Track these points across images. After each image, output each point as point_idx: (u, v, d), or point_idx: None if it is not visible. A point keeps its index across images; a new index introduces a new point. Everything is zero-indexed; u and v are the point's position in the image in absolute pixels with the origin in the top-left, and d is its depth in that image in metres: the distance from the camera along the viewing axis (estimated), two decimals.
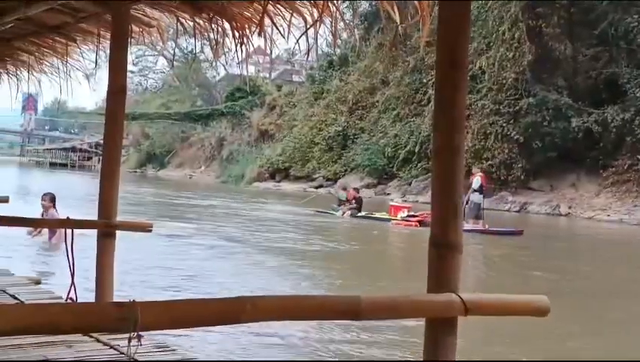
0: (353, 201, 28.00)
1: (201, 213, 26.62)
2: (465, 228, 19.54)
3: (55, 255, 12.73)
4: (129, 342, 2.34)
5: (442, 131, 3.09)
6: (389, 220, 25.70)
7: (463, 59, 3.13)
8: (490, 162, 38.08)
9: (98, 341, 4.99)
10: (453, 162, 3.06)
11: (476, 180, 25.14)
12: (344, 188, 30.54)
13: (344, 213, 27.32)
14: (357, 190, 30.21)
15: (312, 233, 21.52)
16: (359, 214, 27.11)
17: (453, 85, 3.08)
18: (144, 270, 12.41)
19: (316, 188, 45.91)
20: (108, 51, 6.14)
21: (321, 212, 28.18)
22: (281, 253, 16.53)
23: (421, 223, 23.86)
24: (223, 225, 21.91)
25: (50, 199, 14.24)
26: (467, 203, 23.72)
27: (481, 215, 24.66)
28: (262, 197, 38.40)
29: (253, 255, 15.86)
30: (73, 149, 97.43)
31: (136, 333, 2.31)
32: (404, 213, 25.67)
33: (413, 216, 25.11)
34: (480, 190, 24.93)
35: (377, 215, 26.60)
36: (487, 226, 23.97)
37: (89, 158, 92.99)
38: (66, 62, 7.50)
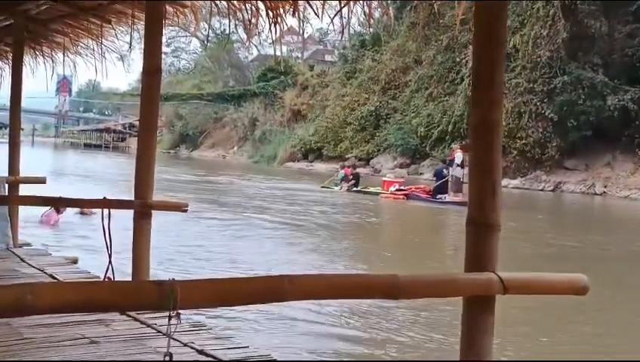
0: (351, 177, 30.34)
1: (217, 191, 28.00)
2: (445, 200, 21.34)
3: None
4: (169, 320, 2.35)
5: (480, 108, 3.06)
6: (378, 194, 27.65)
7: (501, 36, 3.09)
8: (524, 141, 37.79)
9: (136, 319, 5.04)
10: (491, 139, 3.03)
11: (458, 155, 26.66)
12: (342, 167, 32.67)
13: (341, 187, 29.74)
14: (354, 167, 32.73)
15: (311, 205, 22.99)
16: (355, 189, 29.33)
17: (491, 62, 3.04)
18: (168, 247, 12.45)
19: (348, 167, 45.82)
20: (142, 32, 6.15)
21: (325, 187, 30.40)
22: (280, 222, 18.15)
23: (408, 197, 26.51)
24: (234, 201, 23.43)
25: None
26: (437, 176, 26.95)
27: (462, 188, 25.81)
28: (286, 176, 39.70)
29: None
30: (107, 130, 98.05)
31: (175, 311, 2.33)
32: (394, 188, 27.45)
33: (401, 190, 27.25)
34: (462, 165, 26.07)
35: (372, 190, 28.53)
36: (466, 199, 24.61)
37: (123, 139, 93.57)
38: (101, 43, 7.54)
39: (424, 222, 22.21)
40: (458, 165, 26.31)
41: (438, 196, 25.72)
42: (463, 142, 32.34)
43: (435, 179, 27.30)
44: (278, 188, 29.78)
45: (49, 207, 12.86)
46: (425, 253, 15.03)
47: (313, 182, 33.61)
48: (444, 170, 26.42)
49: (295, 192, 27.81)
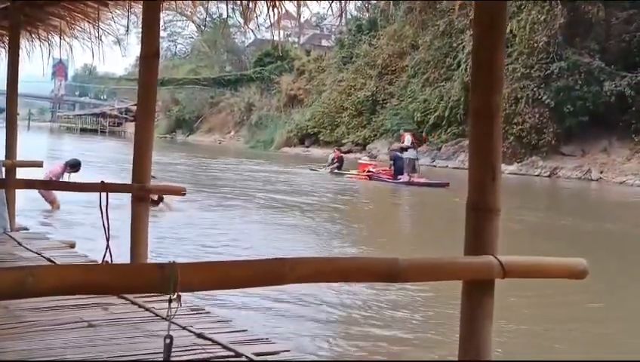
0: (335, 160, 32.44)
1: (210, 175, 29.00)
2: (400, 180, 23.15)
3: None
4: (169, 302, 2.35)
5: (480, 93, 3.06)
6: (344, 175, 30.41)
7: (501, 21, 3.10)
8: (520, 127, 37.75)
9: (133, 303, 5.04)
10: (490, 124, 3.03)
11: (407, 139, 29.72)
12: (334, 151, 34.75)
13: (325, 169, 32.10)
14: (340, 150, 35.28)
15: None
16: (336, 171, 31.53)
17: (491, 47, 3.05)
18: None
19: (345, 152, 45.80)
20: (140, 15, 6.12)
21: (313, 169, 32.87)
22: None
23: (370, 178, 28.82)
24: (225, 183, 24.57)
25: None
26: (394, 159, 28.97)
27: (417, 168, 28.97)
28: (276, 161, 40.72)
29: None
30: (103, 115, 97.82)
31: (176, 294, 2.32)
32: (365, 169, 30.02)
33: (370, 171, 29.64)
34: (413, 147, 29.35)
35: (353, 172, 30.56)
36: (422, 180, 27.79)
37: (119, 124, 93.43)
38: (98, 26, 7.50)
39: (364, 195, 24.64)
40: (406, 148, 28.93)
41: (399, 177, 27.89)
42: (408, 129, 35.85)
43: (392, 162, 29.31)
44: (257, 171, 31.37)
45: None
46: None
47: (299, 165, 35.72)
48: (400, 153, 28.78)
49: (272, 175, 29.28)
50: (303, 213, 17.27)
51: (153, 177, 13.76)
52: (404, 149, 28.73)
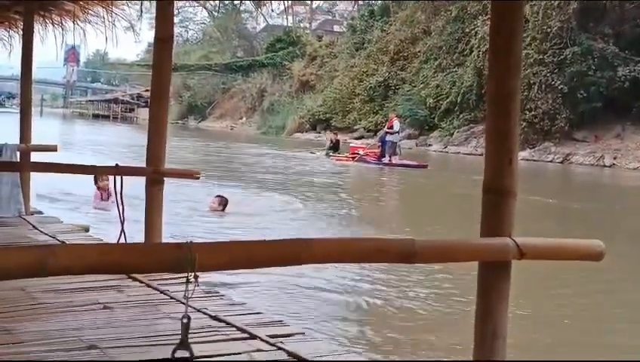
0: (331, 144, 34.31)
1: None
2: (384, 162, 24.77)
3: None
4: (187, 283, 2.35)
5: (497, 78, 3.06)
6: (329, 156, 31.84)
7: (518, 7, 3.09)
8: (533, 112, 37.50)
9: (149, 286, 5.07)
10: (507, 107, 3.02)
11: (396, 123, 30.69)
12: (331, 134, 37.28)
13: (320, 152, 33.66)
14: (336, 134, 37.40)
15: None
16: (330, 153, 32.71)
17: (509, 31, 3.03)
18: None
19: (357, 138, 45.71)
20: (153, 0, 6.13)
21: (312, 153, 33.96)
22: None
23: (355, 159, 29.81)
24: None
25: None
26: (382, 142, 30.46)
27: (398, 151, 29.86)
28: (282, 145, 41.49)
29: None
30: (115, 101, 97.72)
31: (193, 274, 2.32)
32: (351, 152, 31.24)
33: (357, 153, 30.68)
34: (400, 131, 30.91)
35: (343, 155, 31.48)
36: (402, 161, 28.92)
37: (131, 110, 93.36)
38: (111, 10, 7.51)
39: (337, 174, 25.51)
40: (396, 132, 30.08)
41: (382, 159, 29.31)
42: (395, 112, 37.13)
43: (380, 144, 30.81)
44: (250, 155, 32.59)
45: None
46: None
47: (297, 149, 37.10)
48: (387, 136, 29.98)
49: (263, 158, 30.94)
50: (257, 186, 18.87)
51: None
52: (391, 133, 29.95)
